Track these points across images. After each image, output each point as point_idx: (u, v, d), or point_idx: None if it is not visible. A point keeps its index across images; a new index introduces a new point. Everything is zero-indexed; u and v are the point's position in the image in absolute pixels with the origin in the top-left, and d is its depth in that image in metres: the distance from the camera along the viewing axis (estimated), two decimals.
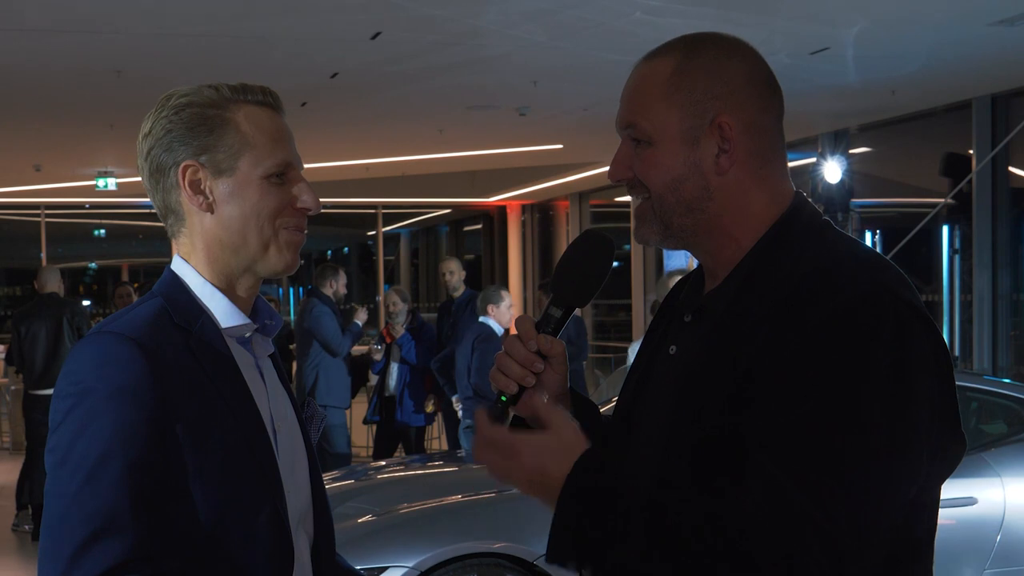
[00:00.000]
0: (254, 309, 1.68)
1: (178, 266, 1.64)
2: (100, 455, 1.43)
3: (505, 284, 16.69)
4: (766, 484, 1.32)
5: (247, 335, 1.65)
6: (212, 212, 1.59)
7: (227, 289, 1.62)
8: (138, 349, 1.48)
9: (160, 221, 1.67)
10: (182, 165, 1.58)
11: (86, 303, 14.90)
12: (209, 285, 1.61)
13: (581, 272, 1.59)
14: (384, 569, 4.57)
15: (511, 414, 1.57)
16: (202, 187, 1.59)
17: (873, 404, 1.33)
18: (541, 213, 17.65)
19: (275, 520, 1.55)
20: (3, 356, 10.71)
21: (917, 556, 1.46)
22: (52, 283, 8.27)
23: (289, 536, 1.58)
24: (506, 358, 1.56)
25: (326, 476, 5.40)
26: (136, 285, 11.36)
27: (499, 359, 1.57)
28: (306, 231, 1.65)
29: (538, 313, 1.62)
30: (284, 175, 1.61)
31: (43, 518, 1.47)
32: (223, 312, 1.61)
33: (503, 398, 1.55)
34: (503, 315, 7.28)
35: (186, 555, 1.47)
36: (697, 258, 1.60)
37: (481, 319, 7.37)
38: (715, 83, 1.49)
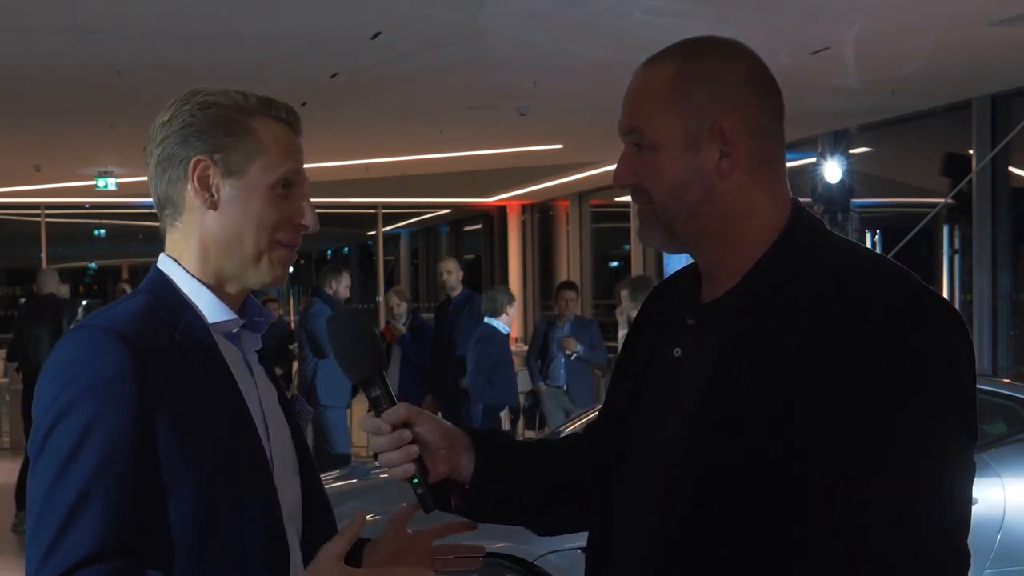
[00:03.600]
0: (242, 305, 1.67)
1: (164, 263, 1.63)
2: (75, 446, 1.43)
3: (505, 284, 16.69)
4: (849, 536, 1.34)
5: (234, 330, 1.64)
6: (215, 209, 1.59)
7: (215, 286, 1.62)
8: (122, 342, 1.48)
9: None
10: (194, 159, 1.58)
11: (86, 303, 14.89)
12: (196, 281, 1.60)
13: (357, 349, 1.65)
14: None
15: (427, 490, 1.62)
16: (210, 183, 1.58)
17: (945, 432, 1.36)
18: (541, 213, 17.65)
19: (267, 514, 1.55)
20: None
21: None
22: (50, 284, 8.31)
23: (283, 530, 1.57)
24: (383, 454, 1.62)
25: (326, 476, 5.40)
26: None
27: (381, 459, 1.63)
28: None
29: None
30: (290, 188, 1.61)
31: (26, 510, 1.48)
32: (210, 307, 1.60)
33: (414, 481, 1.61)
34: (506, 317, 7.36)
35: (178, 550, 1.46)
36: (698, 262, 1.59)
37: (486, 319, 7.47)
38: (714, 87, 1.49)
